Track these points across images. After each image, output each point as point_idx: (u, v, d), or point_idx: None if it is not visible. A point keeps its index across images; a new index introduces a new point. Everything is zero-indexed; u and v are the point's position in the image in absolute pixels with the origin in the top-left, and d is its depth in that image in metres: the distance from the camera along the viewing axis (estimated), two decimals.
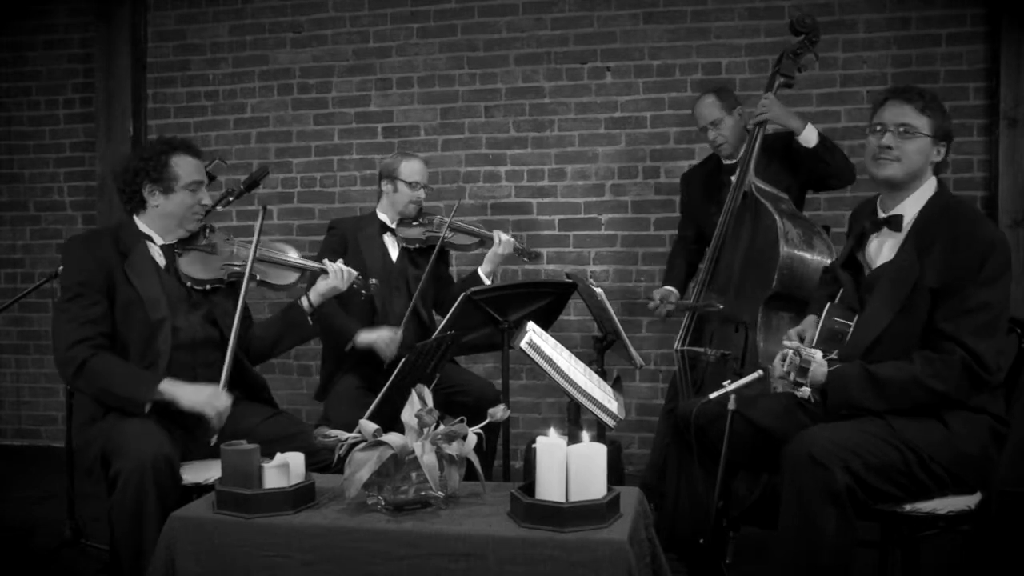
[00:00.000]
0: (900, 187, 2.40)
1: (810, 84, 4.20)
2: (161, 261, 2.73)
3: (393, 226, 3.59)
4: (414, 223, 3.60)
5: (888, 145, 2.36)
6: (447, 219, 3.54)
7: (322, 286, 2.91)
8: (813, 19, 3.47)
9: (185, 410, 2.54)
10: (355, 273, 2.97)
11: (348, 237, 3.55)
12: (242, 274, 2.72)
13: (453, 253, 3.89)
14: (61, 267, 2.69)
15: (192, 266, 2.75)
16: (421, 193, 3.57)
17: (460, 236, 3.61)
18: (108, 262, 2.63)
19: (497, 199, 4.64)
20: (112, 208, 4.85)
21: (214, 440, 2.57)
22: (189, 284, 2.73)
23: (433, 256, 3.46)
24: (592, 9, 4.50)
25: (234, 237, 2.86)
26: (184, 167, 2.71)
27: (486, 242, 3.59)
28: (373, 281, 3.11)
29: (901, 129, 2.36)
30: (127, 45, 4.85)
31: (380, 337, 3.30)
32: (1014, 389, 2.45)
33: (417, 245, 3.56)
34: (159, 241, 2.75)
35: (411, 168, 3.56)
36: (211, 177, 3.06)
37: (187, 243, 2.77)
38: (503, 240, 3.54)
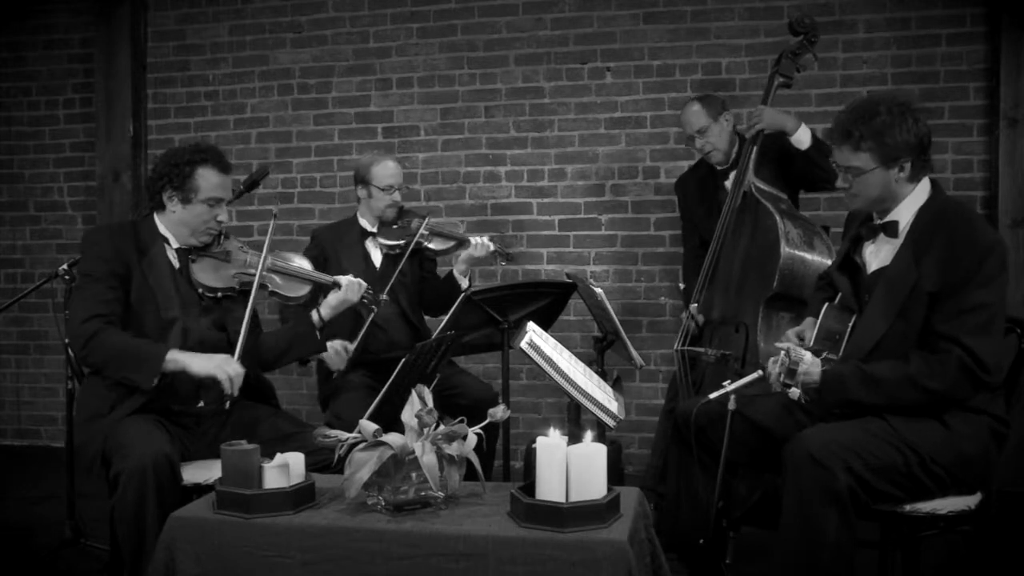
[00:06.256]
0: (886, 205, 2.41)
1: (810, 84, 4.20)
2: (175, 263, 2.75)
3: (373, 231, 3.59)
4: (394, 226, 3.59)
5: (845, 186, 2.42)
6: (424, 222, 3.53)
7: (333, 299, 2.90)
8: (812, 19, 3.46)
9: (196, 377, 2.56)
10: (366, 285, 2.97)
11: (328, 248, 3.54)
12: (253, 283, 2.73)
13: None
14: (80, 255, 2.72)
15: (204, 273, 2.75)
16: (397, 196, 3.55)
17: (438, 240, 3.61)
18: (127, 255, 2.65)
19: (497, 199, 4.64)
20: (112, 208, 4.86)
21: (228, 404, 2.61)
22: (201, 290, 2.74)
23: (405, 257, 3.46)
24: (592, 9, 4.49)
25: (248, 247, 2.87)
26: (207, 180, 2.70)
27: (464, 245, 3.59)
28: (384, 297, 3.09)
29: (848, 171, 2.39)
30: (127, 45, 4.85)
31: (331, 345, 3.16)
32: (1014, 389, 2.45)
33: (398, 250, 3.54)
34: (174, 244, 2.76)
35: (383, 172, 3.52)
36: (254, 183, 3.07)
37: (201, 249, 2.78)
38: (478, 243, 3.53)
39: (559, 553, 1.88)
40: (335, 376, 3.27)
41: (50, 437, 5.13)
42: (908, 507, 2.27)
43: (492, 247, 3.56)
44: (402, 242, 3.54)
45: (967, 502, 2.30)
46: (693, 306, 3.36)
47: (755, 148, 3.36)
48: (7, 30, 5.11)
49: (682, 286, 3.73)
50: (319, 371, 3.63)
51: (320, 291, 2.96)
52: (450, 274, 3.59)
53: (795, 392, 2.32)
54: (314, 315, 2.90)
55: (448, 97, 4.66)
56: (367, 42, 4.73)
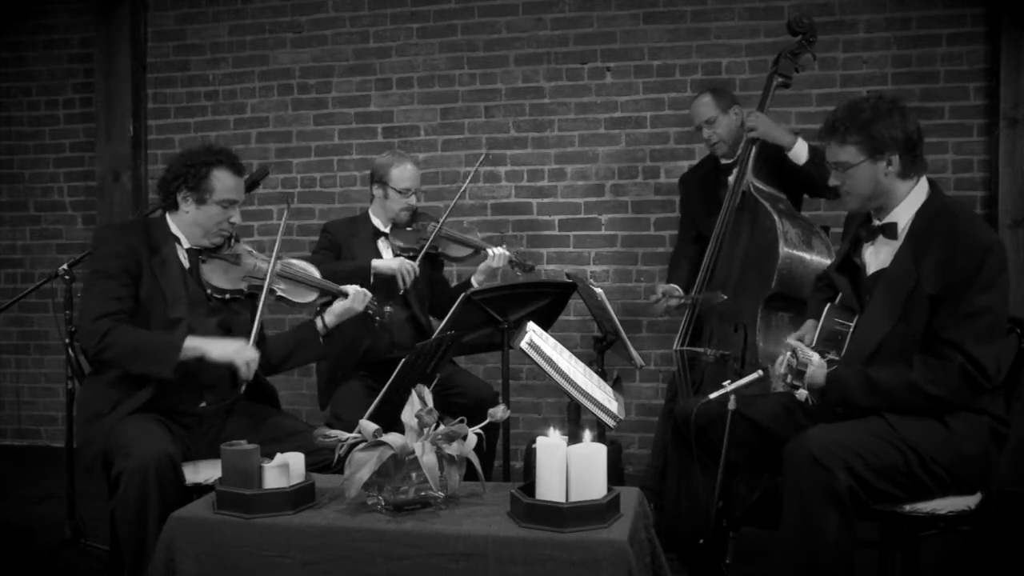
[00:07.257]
0: (880, 203, 2.40)
1: (810, 84, 4.20)
2: (186, 263, 2.76)
3: (386, 231, 3.59)
4: (408, 228, 3.59)
5: (836, 184, 2.43)
6: (439, 224, 3.53)
7: (338, 307, 2.93)
8: (810, 19, 3.47)
9: (213, 362, 2.59)
10: (370, 296, 3.00)
11: (341, 242, 3.54)
12: (261, 287, 2.76)
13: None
14: (91, 252, 2.75)
15: (214, 274, 2.78)
16: (413, 199, 3.55)
17: (453, 246, 3.61)
18: (138, 253, 2.67)
19: (497, 199, 4.64)
20: (112, 208, 4.86)
21: (243, 388, 2.66)
22: (209, 291, 2.76)
23: (418, 260, 3.46)
24: (592, 9, 4.49)
25: (257, 251, 2.89)
26: (223, 182, 2.72)
27: (480, 252, 3.59)
28: (388, 308, 3.12)
29: (837, 167, 2.40)
30: (127, 45, 4.85)
31: (402, 264, 3.39)
32: (1014, 389, 2.45)
33: (411, 253, 3.54)
34: (186, 244, 2.77)
35: (401, 175, 3.52)
36: (254, 183, 3.09)
37: (211, 251, 2.80)
38: (497, 253, 3.54)
39: (559, 553, 1.88)
40: (382, 318, 3.22)
41: (50, 437, 5.13)
42: (908, 507, 2.27)
43: (510, 256, 3.57)
44: (416, 246, 3.54)
45: (967, 502, 2.30)
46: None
47: (753, 149, 3.35)
48: (7, 30, 5.11)
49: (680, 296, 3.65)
50: (319, 371, 3.64)
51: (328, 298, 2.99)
52: (467, 283, 3.58)
53: (802, 393, 2.32)
54: (318, 322, 2.92)
55: (448, 97, 4.66)
56: (367, 42, 4.73)
